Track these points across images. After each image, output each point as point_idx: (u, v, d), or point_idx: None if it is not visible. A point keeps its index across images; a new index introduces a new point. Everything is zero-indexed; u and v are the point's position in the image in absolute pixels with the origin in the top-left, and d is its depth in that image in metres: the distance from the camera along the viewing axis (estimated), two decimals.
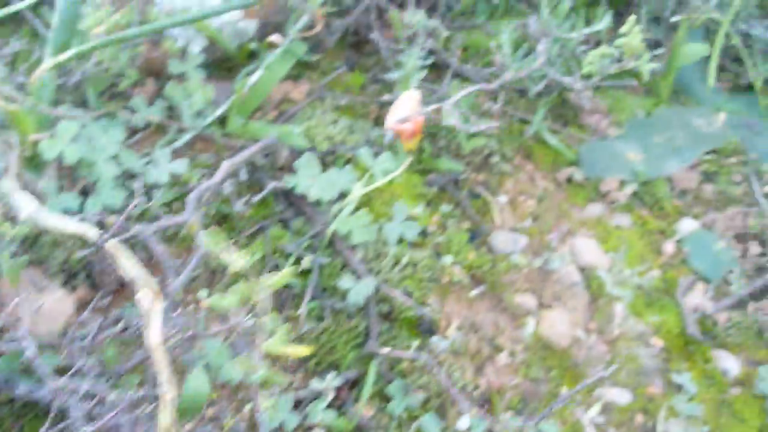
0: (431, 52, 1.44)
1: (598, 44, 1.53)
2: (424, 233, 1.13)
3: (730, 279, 1.19)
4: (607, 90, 1.48)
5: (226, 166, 0.95)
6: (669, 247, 1.24)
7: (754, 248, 1.22)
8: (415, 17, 1.19)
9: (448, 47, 1.45)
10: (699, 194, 1.32)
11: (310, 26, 1.20)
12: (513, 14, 1.54)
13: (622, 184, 1.31)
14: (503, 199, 1.25)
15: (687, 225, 1.27)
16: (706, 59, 1.57)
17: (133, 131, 1.15)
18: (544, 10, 1.38)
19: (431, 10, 1.52)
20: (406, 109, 0.96)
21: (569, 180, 1.31)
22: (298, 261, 0.98)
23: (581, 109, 1.45)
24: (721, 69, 1.57)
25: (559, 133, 1.38)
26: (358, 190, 1.00)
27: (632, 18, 1.11)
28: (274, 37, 1.15)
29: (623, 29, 1.11)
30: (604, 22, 1.32)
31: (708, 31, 1.54)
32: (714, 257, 1.21)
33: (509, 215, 1.23)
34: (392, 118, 0.96)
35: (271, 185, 0.99)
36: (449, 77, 1.30)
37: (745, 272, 1.19)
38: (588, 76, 1.17)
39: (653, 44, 1.56)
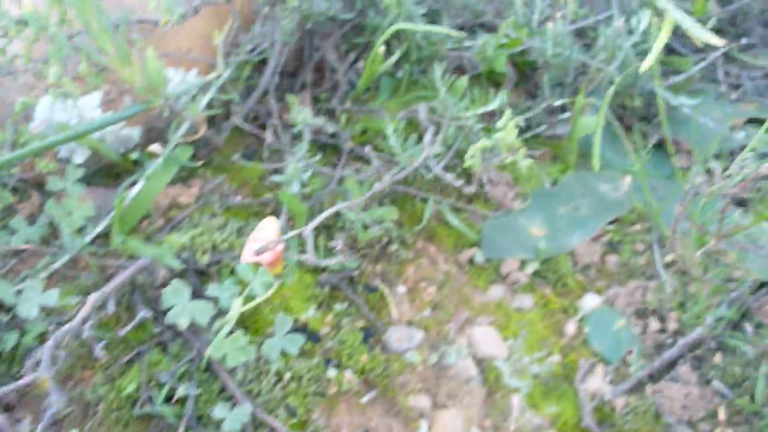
0: (332, 135, 1.44)
1: (502, 113, 1.54)
2: (315, 338, 1.11)
3: (629, 360, 1.18)
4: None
5: (91, 300, 0.93)
6: (571, 327, 1.23)
7: (654, 324, 1.22)
8: (299, 115, 1.18)
9: (347, 129, 1.44)
10: (602, 267, 1.32)
11: (194, 131, 1.19)
12: (417, 88, 1.54)
13: (524, 263, 1.30)
14: (402, 289, 1.24)
15: (590, 301, 1.27)
16: (619, 118, 1.58)
17: (14, 252, 1.13)
18: (441, 88, 1.38)
19: (333, 89, 1.52)
20: (264, 238, 0.95)
21: (471, 262, 1.31)
22: (172, 390, 0.97)
23: (487, 183, 1.44)
24: (628, 129, 1.57)
25: (463, 210, 1.37)
26: (235, 309, 0.99)
27: (508, 113, 1.11)
28: (153, 147, 1.14)
29: (499, 124, 1.10)
30: (497, 101, 1.32)
31: (615, 95, 1.55)
32: (614, 337, 1.21)
33: (407, 307, 1.22)
34: (249, 249, 0.94)
35: (141, 314, 0.97)
36: (340, 169, 1.29)
37: (644, 351, 1.19)
38: (470, 168, 1.16)
39: (560, 109, 1.57)
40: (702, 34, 0.94)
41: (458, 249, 1.32)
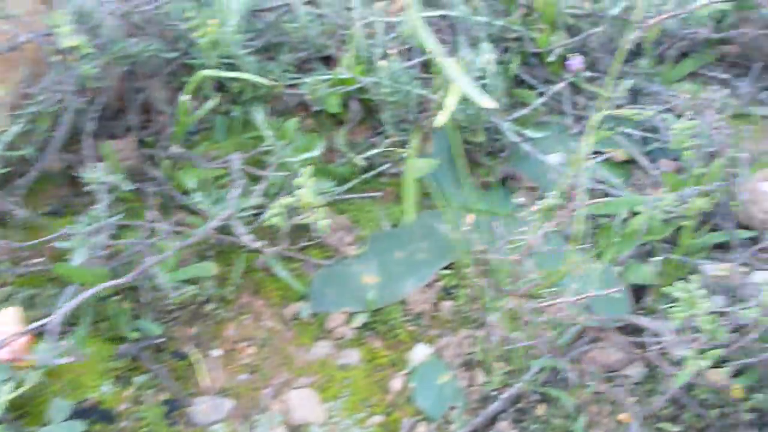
0: (157, 184, 1.36)
1: (343, 154, 1.48)
2: (108, 418, 1.03)
3: (452, 417, 1.14)
4: (353, 199, 1.42)
5: None
6: (397, 383, 1.18)
7: (480, 376, 1.19)
8: (93, 174, 1.09)
9: (172, 176, 1.36)
10: (436, 314, 1.28)
11: None
12: (254, 128, 1.46)
13: (351, 315, 1.25)
14: (217, 352, 1.17)
15: (420, 352, 1.22)
16: (466, 153, 1.55)
17: None
18: (267, 131, 1.32)
19: (158, 134, 1.43)
20: (3, 332, 0.86)
21: (298, 317, 1.24)
22: None
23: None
24: (476, 164, 1.54)
25: (294, 260, 1.31)
26: (2, 398, 0.89)
27: (308, 169, 1.04)
28: None
29: (298, 180, 1.04)
30: (318, 149, 1.26)
31: (461, 129, 1.52)
32: (438, 392, 1.17)
33: (221, 373, 1.15)
34: None
35: None
36: (148, 221, 1.21)
37: (469, 406, 1.15)
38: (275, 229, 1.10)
39: (402, 145, 1.52)
40: (478, 98, 0.90)
41: (286, 303, 1.26)
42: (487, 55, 1.43)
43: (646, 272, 1.15)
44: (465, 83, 0.91)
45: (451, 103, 0.97)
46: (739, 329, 0.94)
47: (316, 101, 1.42)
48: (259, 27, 1.55)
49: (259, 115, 1.27)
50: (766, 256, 1.23)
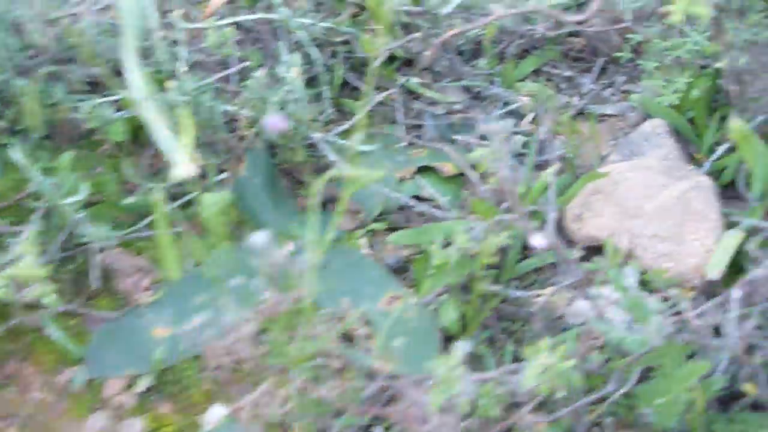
0: None
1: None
2: None
3: None
4: (154, 236, 1.27)
5: None
6: None
7: None
8: None
9: None
10: (236, 367, 1.14)
11: None
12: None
13: (135, 378, 1.10)
14: None
15: (214, 415, 1.08)
16: (288, 174, 1.40)
17: None
18: (32, 170, 1.14)
19: None
20: None
21: (71, 385, 1.09)
22: None
23: (114, 273, 1.23)
24: (299, 184, 1.40)
25: (76, 314, 1.15)
26: None
27: (30, 231, 0.88)
28: None
29: (20, 248, 0.88)
30: (83, 191, 1.10)
31: (276, 148, 1.38)
32: None
33: None
34: None
35: None
36: None
37: None
38: None
39: (219, 170, 1.36)
40: (176, 159, 0.74)
41: (61, 369, 1.10)
42: (295, 68, 1.28)
43: (450, 317, 1.04)
44: (163, 138, 0.75)
45: (182, 159, 0.81)
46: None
47: (100, 129, 1.25)
48: (43, 42, 1.36)
49: (17, 153, 1.09)
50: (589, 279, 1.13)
